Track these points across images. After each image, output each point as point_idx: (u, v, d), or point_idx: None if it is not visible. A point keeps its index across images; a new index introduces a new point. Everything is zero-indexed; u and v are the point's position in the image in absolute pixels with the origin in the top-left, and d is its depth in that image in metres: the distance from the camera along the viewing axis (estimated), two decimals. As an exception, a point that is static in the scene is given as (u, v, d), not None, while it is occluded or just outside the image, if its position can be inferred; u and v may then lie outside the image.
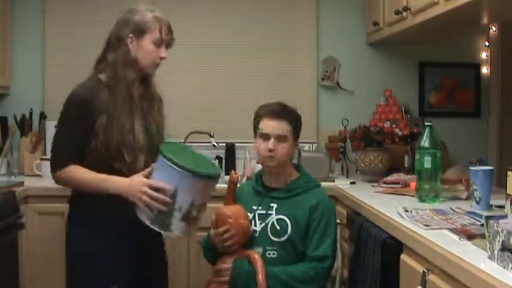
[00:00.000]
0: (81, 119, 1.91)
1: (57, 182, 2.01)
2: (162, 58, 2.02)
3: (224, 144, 3.43)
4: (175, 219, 1.85)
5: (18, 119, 3.35)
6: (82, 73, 3.46)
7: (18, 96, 3.48)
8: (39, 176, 3.20)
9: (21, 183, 2.90)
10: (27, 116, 3.38)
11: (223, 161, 3.42)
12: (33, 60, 3.50)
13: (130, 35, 1.95)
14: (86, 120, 1.90)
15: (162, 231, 1.88)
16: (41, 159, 3.25)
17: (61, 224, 2.92)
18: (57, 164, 1.95)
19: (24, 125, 3.36)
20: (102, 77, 1.98)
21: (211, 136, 3.32)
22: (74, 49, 3.48)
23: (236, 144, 3.45)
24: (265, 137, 2.15)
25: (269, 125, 2.15)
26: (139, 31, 1.96)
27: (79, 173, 1.93)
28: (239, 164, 3.40)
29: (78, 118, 1.92)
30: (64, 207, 2.90)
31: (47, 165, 3.20)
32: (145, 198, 1.82)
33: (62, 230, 2.92)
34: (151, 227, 1.85)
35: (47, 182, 3.08)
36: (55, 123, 3.35)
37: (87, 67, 3.46)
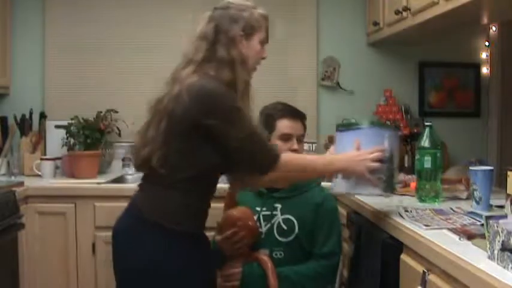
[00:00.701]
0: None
1: (270, 180, 1.81)
2: (263, 58, 1.90)
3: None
4: (395, 178, 1.91)
5: (18, 119, 3.35)
6: (82, 73, 3.51)
7: (18, 96, 3.48)
8: (39, 176, 3.20)
9: (21, 183, 2.89)
10: (27, 116, 3.38)
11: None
12: (33, 60, 3.50)
13: (241, 33, 1.80)
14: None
15: (389, 194, 1.92)
16: (41, 159, 3.25)
17: (61, 224, 2.93)
18: (273, 159, 1.74)
19: (24, 125, 3.36)
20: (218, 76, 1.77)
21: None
22: (74, 49, 3.49)
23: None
24: (287, 137, 2.16)
25: (291, 126, 2.17)
26: (250, 30, 1.82)
27: (294, 158, 1.85)
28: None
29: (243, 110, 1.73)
30: (64, 207, 2.93)
31: (46, 165, 3.23)
32: (375, 164, 1.80)
33: (62, 230, 2.95)
34: (383, 193, 1.87)
35: (47, 182, 3.09)
36: (55, 123, 3.42)
37: (87, 67, 3.51)
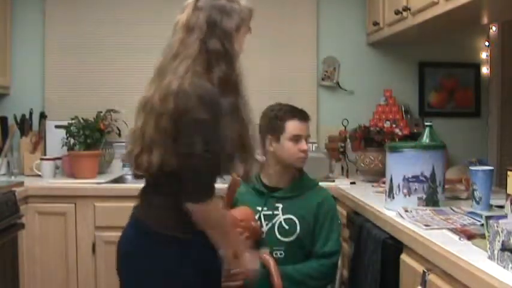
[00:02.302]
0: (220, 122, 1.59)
1: (197, 217, 1.59)
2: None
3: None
4: (438, 196, 2.10)
5: (18, 119, 3.35)
6: (82, 73, 3.52)
7: (18, 96, 3.48)
8: (39, 176, 3.20)
9: (21, 183, 2.89)
10: (27, 116, 3.38)
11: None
12: (33, 60, 3.50)
13: (234, 26, 1.70)
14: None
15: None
16: (41, 159, 3.25)
17: (61, 224, 2.93)
18: (209, 194, 1.58)
19: (24, 125, 3.36)
20: (214, 74, 1.65)
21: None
22: (74, 49, 3.49)
23: (236, 144, 3.44)
24: (297, 138, 2.19)
25: (300, 127, 2.20)
26: (240, 24, 1.72)
27: (219, 210, 1.72)
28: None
29: (219, 120, 1.58)
30: (64, 207, 2.93)
31: (47, 165, 3.23)
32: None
33: (62, 230, 2.95)
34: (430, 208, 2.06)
35: (47, 182, 3.09)
36: (55, 123, 3.43)
37: (88, 67, 3.51)
